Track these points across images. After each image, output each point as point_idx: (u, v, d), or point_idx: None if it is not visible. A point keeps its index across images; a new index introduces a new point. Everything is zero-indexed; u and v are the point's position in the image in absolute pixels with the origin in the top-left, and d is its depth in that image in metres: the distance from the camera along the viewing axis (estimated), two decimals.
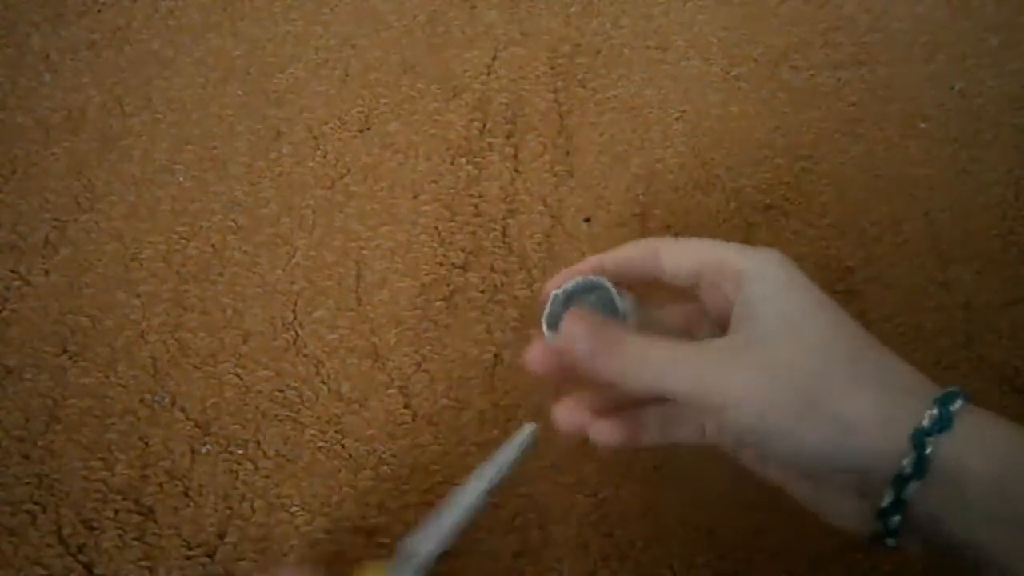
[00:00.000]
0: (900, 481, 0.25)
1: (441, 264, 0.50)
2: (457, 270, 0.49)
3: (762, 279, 0.30)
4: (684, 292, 0.34)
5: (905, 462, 0.25)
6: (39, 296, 0.49)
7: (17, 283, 0.49)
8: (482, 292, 0.49)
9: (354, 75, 0.58)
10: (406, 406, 0.45)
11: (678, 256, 0.33)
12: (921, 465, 0.25)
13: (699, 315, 0.35)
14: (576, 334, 0.30)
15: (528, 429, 0.36)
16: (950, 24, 0.59)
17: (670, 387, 0.28)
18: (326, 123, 0.56)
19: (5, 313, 0.48)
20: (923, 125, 0.55)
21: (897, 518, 0.26)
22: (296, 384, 0.46)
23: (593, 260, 0.34)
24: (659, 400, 0.33)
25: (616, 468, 0.43)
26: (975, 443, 0.26)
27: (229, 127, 0.55)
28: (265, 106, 0.56)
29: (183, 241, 0.51)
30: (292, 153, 0.54)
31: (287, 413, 0.45)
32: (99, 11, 0.61)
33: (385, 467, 0.43)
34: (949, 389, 0.27)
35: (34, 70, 0.58)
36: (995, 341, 0.47)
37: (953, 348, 0.47)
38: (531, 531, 0.42)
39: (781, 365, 0.27)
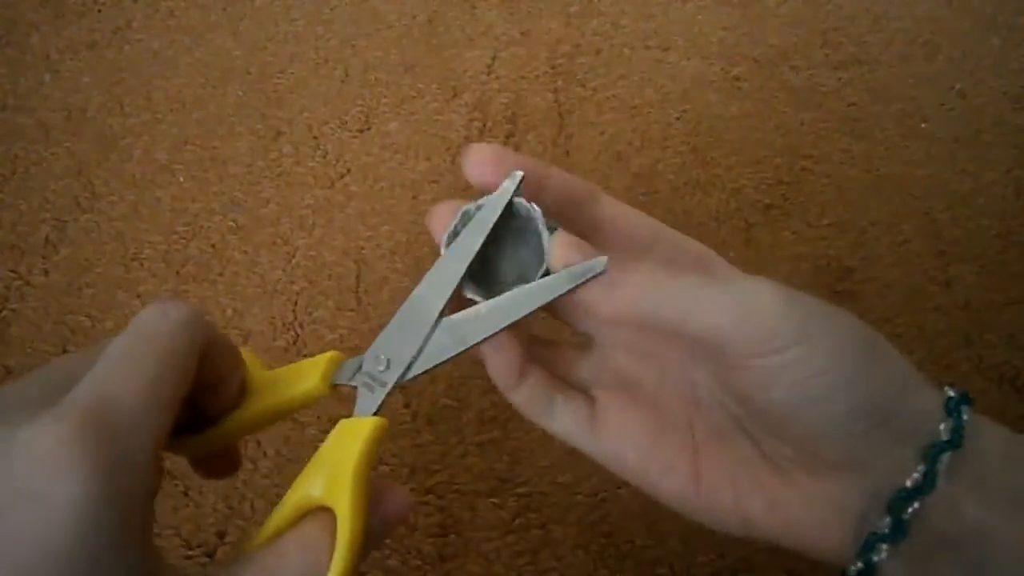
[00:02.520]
0: (935, 451, 0.24)
1: None
2: None
3: (722, 258, 0.28)
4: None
5: (943, 427, 0.24)
6: (39, 296, 0.49)
7: (17, 283, 0.49)
8: None
9: (354, 75, 0.58)
10: (406, 406, 0.45)
11: (632, 219, 0.28)
12: (959, 432, 0.24)
13: None
14: (574, 251, 0.25)
15: (601, 262, 0.25)
16: (950, 24, 0.59)
17: (709, 318, 0.24)
18: (326, 123, 0.56)
19: (5, 313, 0.48)
20: (923, 125, 0.55)
21: (915, 506, 0.24)
22: None
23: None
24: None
25: None
26: (988, 425, 0.25)
27: (229, 127, 0.55)
28: (265, 106, 0.56)
29: (183, 241, 0.51)
30: (292, 153, 0.54)
31: None
32: (99, 11, 0.61)
33: (385, 467, 0.43)
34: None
35: (34, 70, 0.58)
36: (995, 341, 0.47)
37: (953, 348, 0.47)
38: (531, 531, 0.42)
39: (834, 308, 0.25)
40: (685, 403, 0.29)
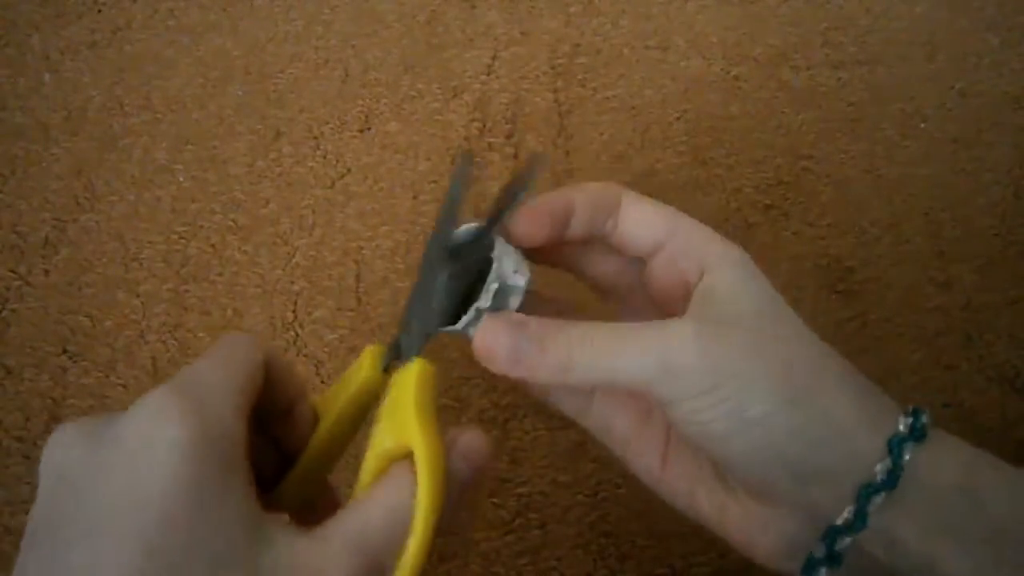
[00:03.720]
0: (867, 492, 0.24)
1: None
2: None
3: (731, 265, 0.27)
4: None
5: (879, 468, 0.24)
6: (39, 296, 0.49)
7: (17, 283, 0.49)
8: None
9: (354, 75, 0.58)
10: None
11: (645, 219, 0.28)
12: (895, 474, 0.23)
13: (625, 275, 0.31)
14: (490, 342, 0.26)
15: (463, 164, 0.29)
16: (950, 24, 0.59)
17: (629, 372, 0.24)
18: (326, 123, 0.56)
19: (5, 313, 0.48)
20: (923, 125, 0.55)
21: (848, 540, 0.24)
22: None
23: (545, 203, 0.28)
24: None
25: (616, 468, 0.43)
26: (947, 455, 0.25)
27: (229, 127, 0.55)
28: (265, 106, 0.56)
29: (183, 241, 0.51)
30: (292, 153, 0.54)
31: None
32: (99, 11, 0.61)
33: None
34: (913, 407, 0.25)
35: (34, 70, 0.58)
36: (995, 341, 0.47)
37: (953, 348, 0.47)
38: (531, 531, 0.42)
39: (768, 349, 0.25)
40: None
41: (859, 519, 0.24)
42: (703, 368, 0.24)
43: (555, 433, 0.44)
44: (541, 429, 0.44)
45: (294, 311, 0.48)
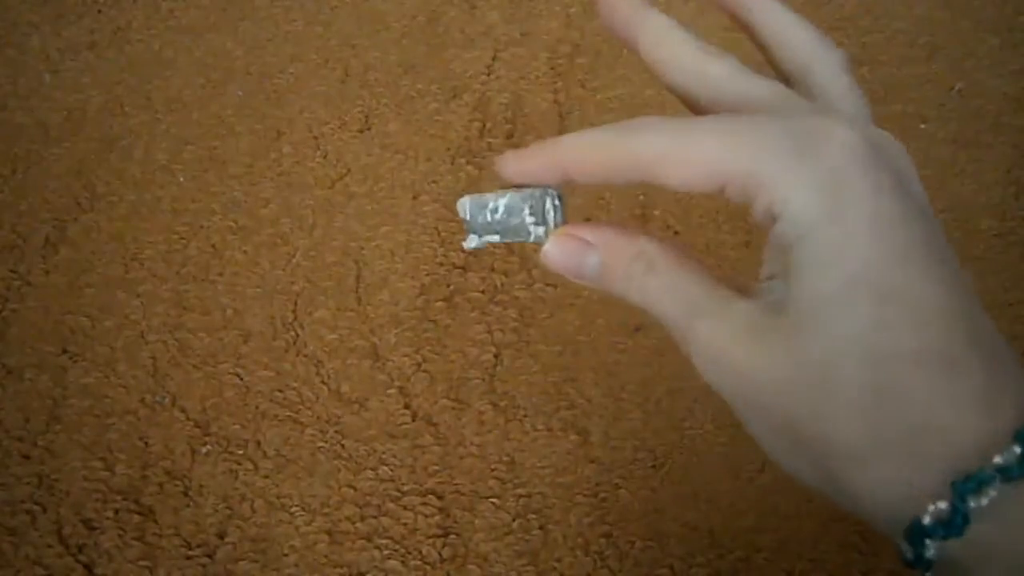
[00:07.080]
0: (965, 485, 0.17)
1: (441, 264, 0.50)
2: (457, 270, 0.49)
3: (805, 225, 0.18)
4: None
5: (998, 458, 0.16)
6: (39, 296, 0.49)
7: (17, 283, 0.49)
8: (482, 292, 0.49)
9: (354, 75, 0.58)
10: (406, 406, 0.45)
11: (686, 170, 0.20)
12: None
13: None
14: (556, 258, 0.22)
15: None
16: (950, 24, 0.59)
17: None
18: (326, 123, 0.56)
19: (5, 313, 0.48)
20: (923, 125, 0.55)
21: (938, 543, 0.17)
22: (296, 384, 0.46)
23: (553, 155, 0.22)
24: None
25: (616, 468, 0.43)
26: None
27: (229, 127, 0.55)
28: (265, 106, 0.56)
29: (183, 241, 0.51)
30: (292, 153, 0.54)
31: (287, 413, 0.45)
32: (99, 11, 0.61)
33: (385, 467, 0.43)
34: None
35: (34, 70, 0.58)
36: None
37: None
38: (531, 531, 0.42)
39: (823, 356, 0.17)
40: None
41: (957, 517, 0.17)
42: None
43: (555, 434, 0.44)
44: (541, 430, 0.44)
45: (294, 311, 0.48)
